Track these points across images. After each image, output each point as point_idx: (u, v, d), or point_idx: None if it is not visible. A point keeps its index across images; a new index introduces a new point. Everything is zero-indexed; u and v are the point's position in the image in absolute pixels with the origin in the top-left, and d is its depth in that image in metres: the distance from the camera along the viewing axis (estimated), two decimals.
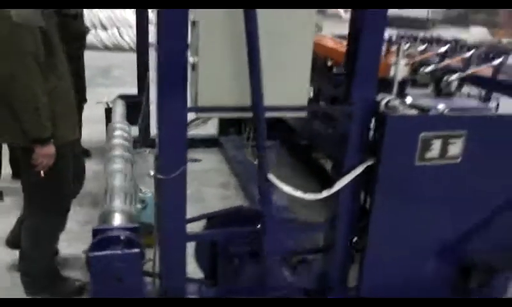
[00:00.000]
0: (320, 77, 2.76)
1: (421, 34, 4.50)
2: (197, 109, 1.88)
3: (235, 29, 1.76)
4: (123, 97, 4.23)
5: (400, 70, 2.03)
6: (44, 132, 2.19)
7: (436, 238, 2.27)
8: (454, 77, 2.88)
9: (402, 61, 2.05)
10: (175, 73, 1.71)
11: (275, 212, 2.08)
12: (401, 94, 2.18)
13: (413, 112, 2.02)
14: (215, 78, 1.83)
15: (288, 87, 1.90)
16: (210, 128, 4.76)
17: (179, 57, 1.70)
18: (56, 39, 2.28)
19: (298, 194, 2.04)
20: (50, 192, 2.40)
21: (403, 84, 2.19)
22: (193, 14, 1.81)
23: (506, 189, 2.26)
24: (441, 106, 2.03)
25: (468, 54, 3.42)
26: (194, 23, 1.83)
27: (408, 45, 3.18)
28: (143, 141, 4.40)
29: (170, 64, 1.71)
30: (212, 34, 1.79)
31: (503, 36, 16.02)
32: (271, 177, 1.94)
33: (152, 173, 1.92)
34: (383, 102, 1.96)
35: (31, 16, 2.08)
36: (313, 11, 1.88)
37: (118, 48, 10.49)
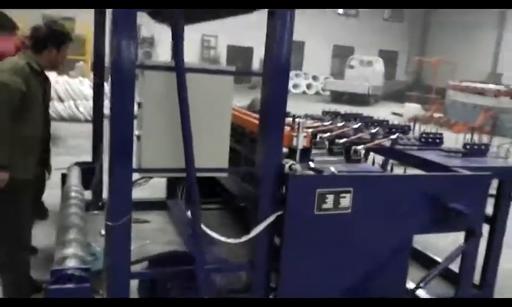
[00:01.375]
0: (245, 144, 3.36)
1: (353, 110, 5.28)
2: (140, 170, 2.40)
3: (170, 108, 2.33)
4: (78, 164, 4.66)
5: (300, 141, 2.65)
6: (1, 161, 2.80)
7: (337, 277, 2.79)
8: (360, 147, 3.56)
9: (302, 134, 2.67)
10: (124, 143, 2.24)
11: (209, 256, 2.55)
12: (305, 160, 2.79)
13: (311, 173, 2.61)
14: (155, 147, 2.38)
15: (211, 151, 2.47)
16: (162, 193, 5.30)
17: (128, 131, 2.23)
18: (34, 99, 2.95)
19: (223, 239, 2.56)
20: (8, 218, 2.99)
21: (306, 151, 2.80)
22: (139, 97, 2.38)
23: (389, 235, 2.85)
24: (332, 168, 2.64)
25: (374, 130, 4.17)
26: (139, 104, 2.40)
27: (307, 121, 3.87)
28: (95, 203, 4.80)
29: (121, 135, 2.23)
30: (153, 113, 2.35)
31: (434, 111, 17.66)
32: (203, 227, 2.44)
33: (103, 232, 2.38)
34: (287, 165, 2.55)
35: (14, 80, 2.78)
36: (231, 82, 2.49)
37: (73, 119, 10.92)
